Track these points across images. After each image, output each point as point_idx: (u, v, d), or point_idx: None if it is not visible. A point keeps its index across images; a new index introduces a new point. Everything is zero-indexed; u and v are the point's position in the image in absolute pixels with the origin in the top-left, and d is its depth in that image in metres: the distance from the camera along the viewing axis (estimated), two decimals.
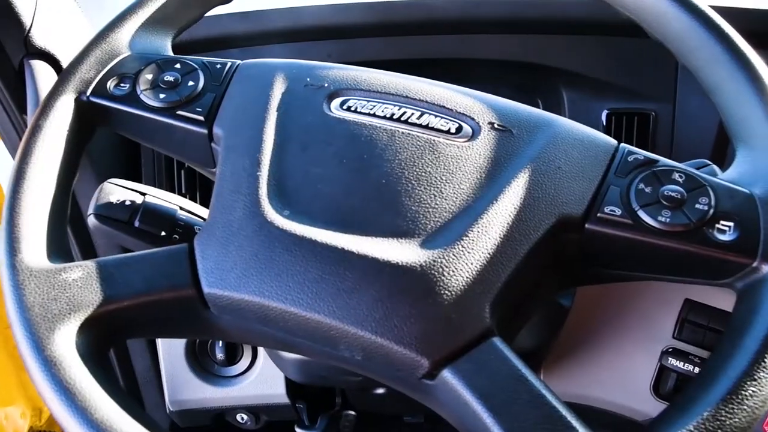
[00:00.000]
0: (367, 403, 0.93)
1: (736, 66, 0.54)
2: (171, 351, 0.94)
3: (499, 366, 0.42)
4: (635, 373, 0.91)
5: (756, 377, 0.40)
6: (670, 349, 0.88)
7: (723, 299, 0.87)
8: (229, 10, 0.86)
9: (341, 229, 0.47)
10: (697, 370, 0.81)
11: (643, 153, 0.52)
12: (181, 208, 0.69)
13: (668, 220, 0.48)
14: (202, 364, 0.95)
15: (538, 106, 0.95)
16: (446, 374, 0.43)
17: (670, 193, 0.49)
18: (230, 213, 0.49)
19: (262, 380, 0.92)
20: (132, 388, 1.01)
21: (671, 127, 0.89)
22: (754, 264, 0.45)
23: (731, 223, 0.47)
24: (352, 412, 0.99)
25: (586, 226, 0.49)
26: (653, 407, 0.91)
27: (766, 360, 0.41)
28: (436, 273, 0.45)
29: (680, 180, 0.50)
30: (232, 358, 0.94)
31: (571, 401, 0.96)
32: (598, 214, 0.49)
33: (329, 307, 0.45)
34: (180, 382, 0.94)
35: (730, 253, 0.46)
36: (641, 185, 0.50)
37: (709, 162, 0.61)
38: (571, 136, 0.52)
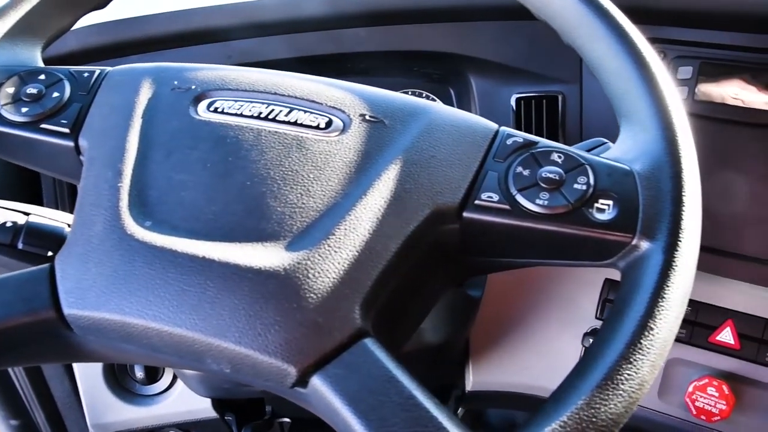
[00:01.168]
0: (294, 409, 0.90)
1: (616, 42, 0.53)
2: (88, 373, 0.90)
3: (369, 368, 0.40)
4: (562, 357, 0.90)
5: (632, 360, 0.39)
6: (591, 330, 0.88)
7: None
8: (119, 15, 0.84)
9: (203, 237, 0.45)
10: None
11: (522, 135, 0.51)
12: (69, 225, 0.66)
13: (546, 202, 0.46)
14: (122, 384, 0.91)
15: (450, 96, 0.95)
16: (316, 381, 0.41)
17: (548, 174, 0.47)
18: (90, 228, 0.46)
19: (187, 396, 0.89)
20: (53, 415, 0.97)
21: (579, 107, 0.88)
22: (633, 241, 0.44)
23: (610, 202, 0.46)
24: (287, 419, 0.97)
25: (464, 214, 0.47)
26: None
27: (642, 342, 0.40)
28: (300, 276, 0.43)
29: (559, 160, 0.49)
30: (153, 375, 0.91)
31: (504, 390, 0.96)
32: (476, 202, 0.47)
33: (190, 319, 0.42)
34: (101, 405, 0.90)
35: (609, 232, 0.45)
36: (519, 168, 0.48)
37: (606, 140, 0.60)
38: (448, 123, 0.51)
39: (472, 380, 0.93)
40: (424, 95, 0.97)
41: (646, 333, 0.40)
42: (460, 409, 1.19)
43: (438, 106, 0.52)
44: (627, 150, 0.50)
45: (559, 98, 0.89)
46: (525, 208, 0.46)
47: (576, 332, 0.88)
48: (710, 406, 0.81)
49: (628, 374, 0.39)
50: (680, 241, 0.43)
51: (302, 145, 0.49)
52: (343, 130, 0.50)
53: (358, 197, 0.46)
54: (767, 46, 0.80)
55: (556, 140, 0.88)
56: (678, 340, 0.84)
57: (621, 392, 0.38)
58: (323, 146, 0.49)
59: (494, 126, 0.52)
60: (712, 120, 0.83)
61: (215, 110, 0.52)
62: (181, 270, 0.43)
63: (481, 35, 0.89)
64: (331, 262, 0.43)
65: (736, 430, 0.83)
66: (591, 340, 0.82)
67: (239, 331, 0.42)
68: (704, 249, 0.83)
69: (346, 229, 0.44)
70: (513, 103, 0.90)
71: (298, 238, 0.45)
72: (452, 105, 0.97)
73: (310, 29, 0.93)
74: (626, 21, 0.54)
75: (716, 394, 0.81)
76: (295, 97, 0.52)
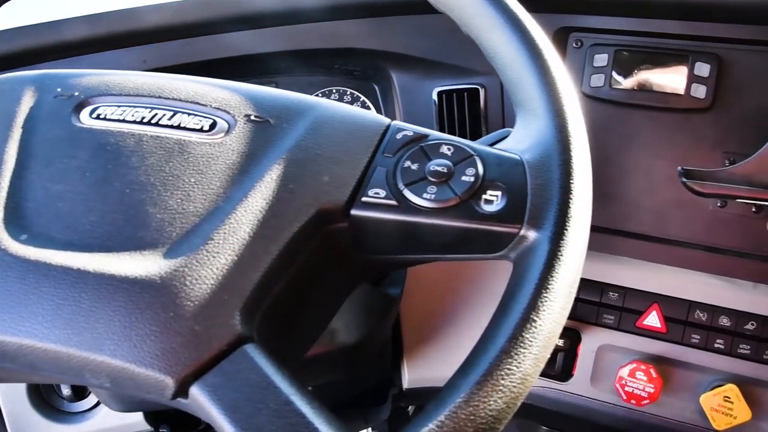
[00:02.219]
0: None
1: (510, 31, 0.52)
2: (11, 391, 0.87)
3: (248, 375, 0.39)
4: None
5: (513, 354, 0.38)
6: None
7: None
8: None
9: (80, 249, 0.43)
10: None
11: (413, 129, 0.50)
12: None
13: (434, 196, 0.45)
14: (48, 401, 0.89)
15: (374, 92, 0.94)
16: (195, 390, 0.39)
17: (436, 168, 0.47)
18: None
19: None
20: None
21: (501, 99, 0.88)
22: (521, 232, 0.43)
23: (498, 193, 0.45)
24: None
25: (352, 212, 0.46)
26: None
27: (524, 335, 0.39)
28: (177, 284, 0.41)
29: (449, 153, 0.48)
30: (81, 392, 0.88)
31: (441, 385, 0.95)
32: (363, 199, 0.46)
33: (65, 334, 0.41)
34: (25, 425, 0.88)
35: (496, 223, 0.44)
36: (408, 163, 0.47)
37: (512, 130, 0.60)
38: (336, 120, 0.50)
39: (408, 378, 0.92)
40: (348, 93, 0.96)
41: (529, 326, 0.39)
42: (411, 407, 1.19)
43: (327, 103, 0.51)
44: (520, 139, 0.50)
45: (481, 91, 0.88)
46: (412, 203, 0.45)
47: None
48: (639, 390, 0.82)
49: (509, 369, 0.38)
50: (567, 230, 0.42)
51: (184, 149, 0.47)
52: (228, 132, 0.49)
53: (240, 200, 0.45)
54: (679, 32, 0.81)
55: (479, 133, 0.88)
56: (607, 326, 0.85)
57: (501, 388, 0.37)
58: (206, 149, 0.48)
59: (385, 121, 0.51)
60: (628, 106, 0.83)
61: (98, 117, 0.50)
62: (55, 284, 0.42)
63: (399, 30, 0.89)
64: (209, 268, 0.42)
65: (664, 411, 0.84)
66: None
67: (114, 343, 0.40)
68: (628, 234, 0.84)
69: (225, 233, 0.43)
70: (435, 97, 0.89)
71: (177, 245, 0.43)
72: (377, 101, 0.96)
73: (228, 30, 0.91)
74: (521, 10, 0.54)
75: (644, 378, 0.81)
76: (180, 100, 0.51)
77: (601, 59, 0.83)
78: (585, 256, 0.44)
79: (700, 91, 0.79)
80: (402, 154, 0.48)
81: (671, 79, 0.81)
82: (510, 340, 0.39)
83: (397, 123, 0.51)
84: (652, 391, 0.81)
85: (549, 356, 0.41)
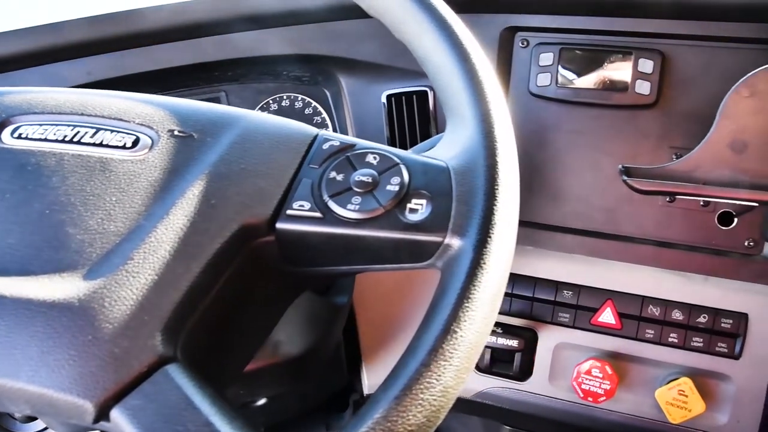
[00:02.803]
0: None
1: (439, 36, 0.52)
2: None
3: (168, 397, 0.38)
4: None
5: (433, 367, 0.38)
6: None
7: (522, 263, 0.87)
8: None
9: None
10: (498, 340, 0.81)
11: (340, 139, 0.50)
12: None
13: (358, 207, 0.45)
14: (1, 425, 0.87)
15: (325, 97, 0.93)
16: (115, 414, 0.39)
17: (361, 178, 0.46)
18: None
19: None
20: None
21: None
22: (446, 240, 0.43)
23: (423, 201, 0.45)
24: None
25: (277, 225, 0.45)
26: (476, 381, 0.90)
27: (445, 347, 0.38)
28: (96, 306, 0.40)
29: (374, 162, 0.47)
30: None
31: None
32: (288, 212, 0.46)
33: None
34: None
35: (421, 232, 0.44)
36: (333, 173, 0.47)
37: None
38: (261, 132, 0.49)
39: (368, 383, 0.92)
40: (299, 99, 0.95)
41: (450, 338, 0.39)
42: None
43: (253, 115, 0.51)
44: (448, 146, 0.49)
45: (429, 93, 0.88)
46: (337, 214, 0.45)
47: None
48: (596, 387, 0.82)
49: (429, 382, 0.37)
50: (491, 237, 0.42)
51: (106, 167, 0.47)
52: (151, 148, 0.48)
53: (161, 217, 0.44)
54: (623, 29, 0.81)
55: (429, 135, 0.87)
56: (562, 324, 0.85)
57: (420, 402, 0.37)
58: (128, 166, 0.47)
59: (312, 131, 0.50)
60: (575, 104, 0.83)
61: (19, 136, 0.49)
62: None
63: (346, 35, 0.88)
64: (128, 288, 0.41)
65: (622, 407, 0.85)
66: None
67: (32, 369, 0.39)
68: (580, 232, 0.85)
69: (145, 252, 0.42)
70: (384, 100, 0.89)
71: (97, 266, 0.42)
72: (328, 106, 0.95)
73: (175, 39, 0.90)
74: (451, 15, 0.54)
75: (600, 375, 0.82)
76: (103, 117, 0.50)
77: (547, 58, 0.83)
78: (511, 262, 0.44)
79: (644, 88, 0.80)
80: (328, 164, 0.48)
81: (616, 76, 0.81)
82: (430, 352, 0.38)
83: (325, 133, 0.50)
84: (608, 387, 0.81)
85: (473, 367, 0.41)
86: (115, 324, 0.40)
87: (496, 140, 0.46)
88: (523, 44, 0.85)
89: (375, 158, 0.47)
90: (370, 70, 0.90)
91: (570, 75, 0.83)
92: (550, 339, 0.86)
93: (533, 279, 0.86)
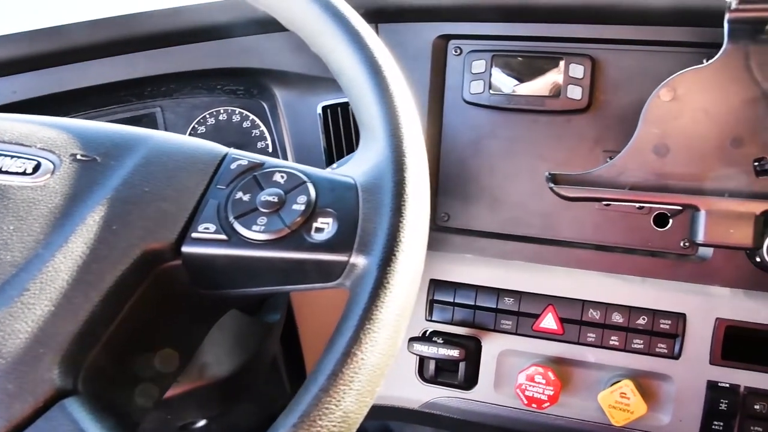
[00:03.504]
0: None
1: (352, 49, 0.51)
2: None
3: None
4: (399, 363, 0.89)
5: (332, 392, 0.37)
6: (422, 333, 0.87)
7: (463, 272, 0.87)
8: None
9: None
10: (440, 351, 0.80)
11: (248, 157, 0.49)
12: None
13: (263, 228, 0.44)
14: None
15: (263, 110, 0.92)
16: None
17: (267, 197, 0.45)
18: None
19: None
20: None
21: None
22: (351, 259, 0.42)
23: (330, 220, 0.44)
24: None
25: (183, 249, 0.44)
26: (423, 392, 0.90)
27: (344, 371, 0.37)
28: None
29: (281, 181, 0.47)
30: None
31: None
32: (193, 235, 0.44)
33: None
34: None
35: (326, 252, 0.43)
36: (239, 194, 0.46)
37: None
38: (167, 154, 0.48)
39: None
40: (236, 112, 0.94)
41: (350, 361, 0.38)
42: None
43: (160, 135, 0.49)
44: (359, 161, 0.49)
45: None
46: (242, 236, 0.44)
47: (408, 336, 0.87)
48: (539, 393, 0.82)
49: (327, 408, 0.37)
50: (396, 255, 0.41)
51: (5, 195, 0.45)
52: (53, 173, 0.46)
53: (59, 245, 0.42)
54: (553, 35, 0.81)
55: None
56: (505, 331, 0.84)
57: (319, 428, 0.36)
58: (28, 193, 0.45)
59: (222, 151, 0.49)
60: (509, 110, 0.83)
61: None
62: None
63: (278, 47, 0.87)
64: (23, 320, 0.40)
65: (566, 412, 0.84)
66: (416, 346, 0.81)
67: None
68: (520, 238, 0.84)
69: (42, 282, 0.41)
70: (320, 111, 0.88)
71: None
72: (266, 119, 0.94)
73: (104, 55, 0.88)
74: (364, 27, 0.53)
75: (543, 381, 0.81)
76: (3, 142, 0.48)
77: (479, 65, 0.83)
78: (419, 280, 0.44)
79: (576, 93, 0.80)
80: (235, 185, 0.47)
81: (548, 81, 0.81)
82: (330, 377, 0.37)
83: (235, 152, 0.49)
84: (551, 393, 0.81)
85: (379, 388, 0.40)
86: (9, 359, 0.39)
87: (404, 155, 0.46)
88: (456, 52, 0.85)
89: (282, 177, 0.47)
90: (304, 82, 0.89)
91: (503, 82, 0.83)
92: (493, 347, 0.86)
93: (474, 287, 0.86)
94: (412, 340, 0.82)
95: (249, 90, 0.91)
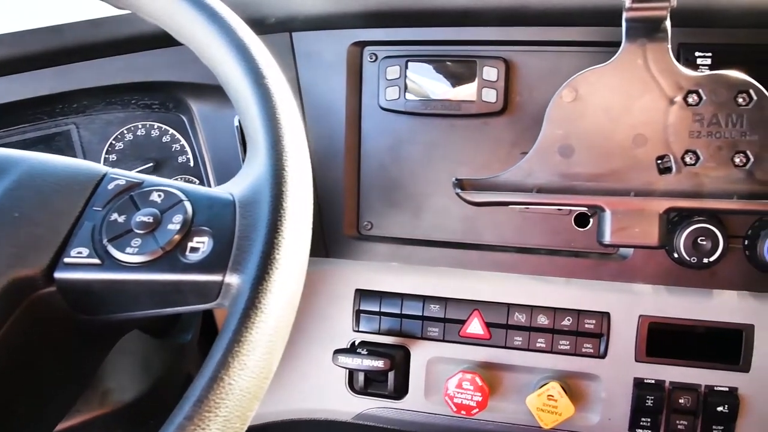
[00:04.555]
0: None
1: (237, 60, 0.50)
2: None
3: None
4: (330, 376, 0.88)
5: (197, 420, 0.35)
6: (350, 344, 0.86)
7: (389, 280, 0.86)
8: None
9: None
10: (364, 362, 0.79)
11: (127, 176, 0.47)
12: None
13: (137, 250, 0.42)
14: None
15: (183, 123, 0.90)
16: None
17: (141, 218, 0.44)
18: None
19: None
20: None
21: (303, 120, 0.86)
22: (225, 279, 0.41)
23: (205, 239, 0.42)
24: None
25: (56, 276, 0.42)
26: (354, 404, 0.88)
27: (210, 397, 0.36)
28: None
29: (158, 200, 0.45)
30: None
31: (283, 419, 0.92)
32: (65, 260, 0.43)
33: None
34: None
35: (200, 272, 0.41)
36: (115, 215, 0.44)
37: None
38: (41, 176, 0.46)
39: None
40: (155, 127, 0.92)
41: (216, 386, 0.36)
42: None
43: (35, 158, 0.47)
44: (241, 176, 0.47)
45: None
46: (116, 259, 0.42)
47: (335, 347, 0.86)
48: (468, 400, 0.81)
49: None
50: (269, 273, 0.40)
51: None
52: None
53: None
54: (466, 38, 0.81)
55: None
56: (433, 338, 0.84)
57: None
58: None
59: (100, 171, 0.47)
60: (425, 116, 0.82)
61: None
62: None
63: (190, 60, 0.84)
64: None
65: (497, 417, 0.84)
66: (340, 358, 0.80)
67: None
68: (443, 244, 0.84)
69: None
70: (237, 124, 0.86)
71: None
72: (186, 133, 0.92)
73: (9, 72, 0.85)
74: (250, 38, 0.52)
75: (471, 388, 0.81)
76: None
77: (394, 71, 0.82)
78: (297, 298, 0.42)
79: (490, 96, 0.79)
80: (112, 206, 0.45)
81: (463, 85, 0.80)
82: (195, 404, 0.36)
83: (113, 172, 0.47)
84: (480, 399, 0.81)
85: (252, 412, 0.38)
86: None
87: (284, 169, 0.44)
88: (371, 58, 0.84)
89: (160, 196, 0.45)
90: (219, 94, 0.86)
91: (418, 87, 0.82)
92: (422, 355, 0.85)
93: (400, 295, 0.85)
94: (337, 352, 0.80)
95: (164, 104, 0.89)
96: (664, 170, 0.61)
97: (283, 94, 0.48)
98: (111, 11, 0.61)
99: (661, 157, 0.61)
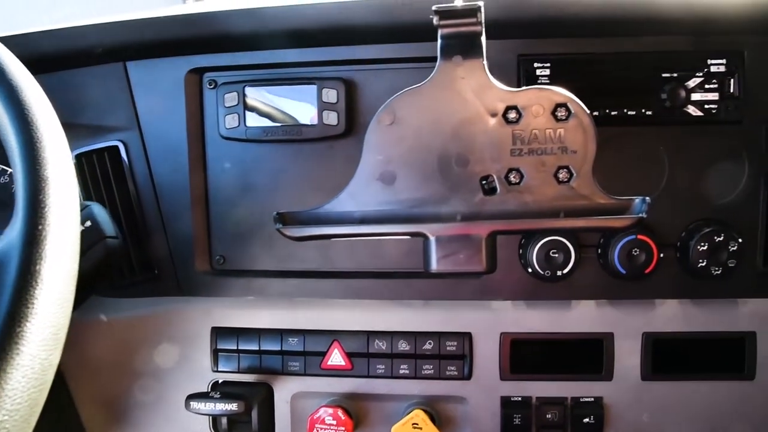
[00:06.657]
0: None
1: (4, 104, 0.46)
2: None
3: None
4: (194, 420, 0.83)
5: None
6: (212, 383, 0.82)
7: (245, 316, 0.82)
8: None
9: None
10: (217, 406, 0.75)
11: None
12: None
13: None
14: None
15: None
16: None
17: None
18: None
19: None
20: None
21: (144, 152, 0.81)
22: None
23: None
24: None
25: None
26: None
27: None
28: None
29: None
30: None
31: None
32: None
33: None
34: None
35: None
36: None
37: None
38: None
39: None
40: None
41: None
42: None
43: None
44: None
45: (121, 147, 0.81)
46: None
47: (198, 389, 0.82)
48: None
49: None
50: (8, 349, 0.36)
51: None
52: None
53: None
54: (304, 60, 0.78)
55: (126, 191, 0.80)
56: (294, 373, 0.80)
57: None
58: None
59: None
60: (268, 142, 0.79)
61: None
62: None
63: None
64: None
65: None
66: (192, 404, 0.75)
67: None
68: (297, 274, 0.80)
69: None
70: (74, 161, 0.81)
71: None
72: None
73: None
74: (22, 78, 0.48)
75: (334, 422, 0.77)
76: None
77: (232, 98, 0.78)
78: (50, 373, 0.39)
79: (331, 118, 0.76)
80: None
81: (303, 108, 0.77)
82: None
83: None
84: None
85: None
86: None
87: (38, 227, 0.41)
88: (210, 85, 0.80)
89: None
90: None
91: (257, 113, 0.78)
92: (285, 390, 0.82)
93: (257, 330, 0.81)
94: (190, 398, 0.76)
95: None
96: (490, 191, 0.59)
97: (49, 143, 0.45)
98: None
99: (485, 178, 0.59)
